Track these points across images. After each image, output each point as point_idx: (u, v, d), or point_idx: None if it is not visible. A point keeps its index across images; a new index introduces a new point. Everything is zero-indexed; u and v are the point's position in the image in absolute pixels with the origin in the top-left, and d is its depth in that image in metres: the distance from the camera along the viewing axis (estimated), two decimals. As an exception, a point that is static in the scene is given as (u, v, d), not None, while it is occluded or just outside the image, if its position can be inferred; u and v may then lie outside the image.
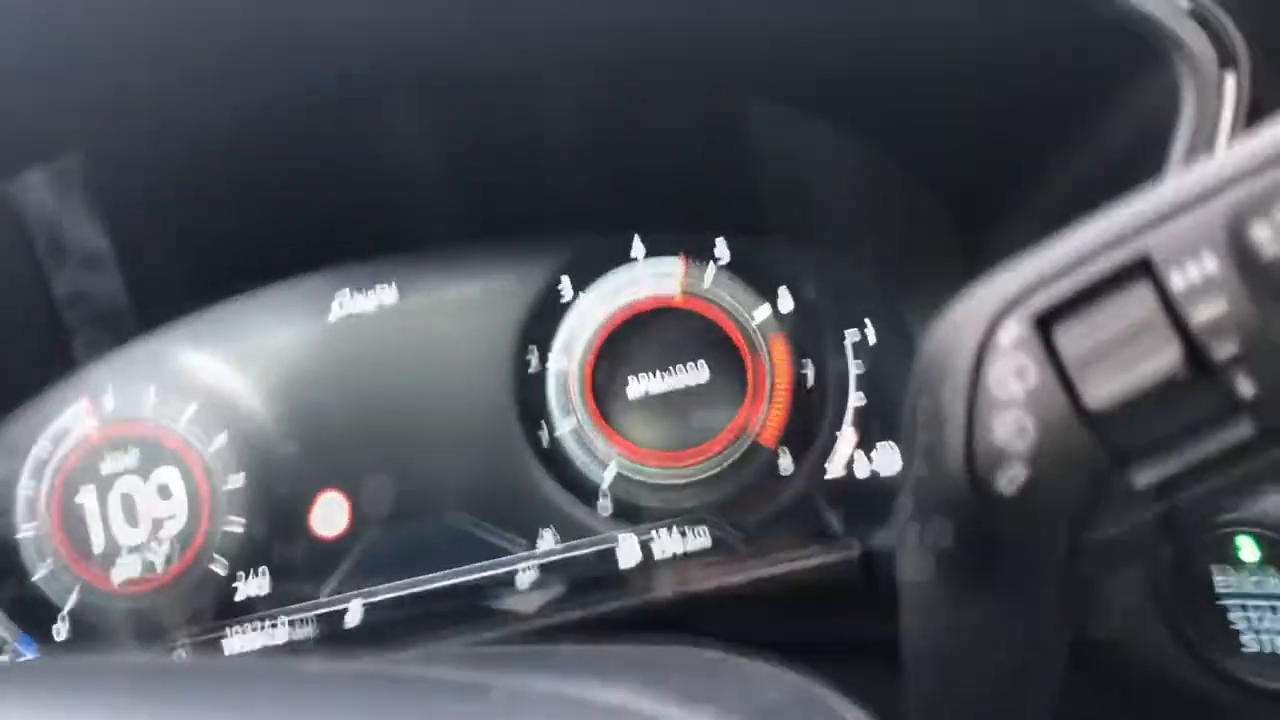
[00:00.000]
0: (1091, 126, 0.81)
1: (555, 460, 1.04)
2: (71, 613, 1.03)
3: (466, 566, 1.02)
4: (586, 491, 1.04)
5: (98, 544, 1.03)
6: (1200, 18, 0.70)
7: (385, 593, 1.02)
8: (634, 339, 1.04)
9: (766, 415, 1.02)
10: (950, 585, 0.41)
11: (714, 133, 0.99)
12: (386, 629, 1.01)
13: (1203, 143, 0.69)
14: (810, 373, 1.04)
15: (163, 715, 0.41)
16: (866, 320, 1.04)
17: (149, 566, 1.03)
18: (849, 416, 1.03)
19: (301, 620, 1.02)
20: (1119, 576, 0.45)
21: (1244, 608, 0.66)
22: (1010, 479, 0.37)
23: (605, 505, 1.03)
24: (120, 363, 1.05)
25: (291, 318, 1.06)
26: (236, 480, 1.03)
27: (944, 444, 0.39)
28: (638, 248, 1.06)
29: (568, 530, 1.03)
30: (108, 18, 0.80)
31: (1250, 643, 0.65)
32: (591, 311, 1.04)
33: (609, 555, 1.02)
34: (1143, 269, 0.37)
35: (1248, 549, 0.66)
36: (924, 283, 1.02)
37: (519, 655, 0.51)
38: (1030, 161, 0.87)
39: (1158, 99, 0.72)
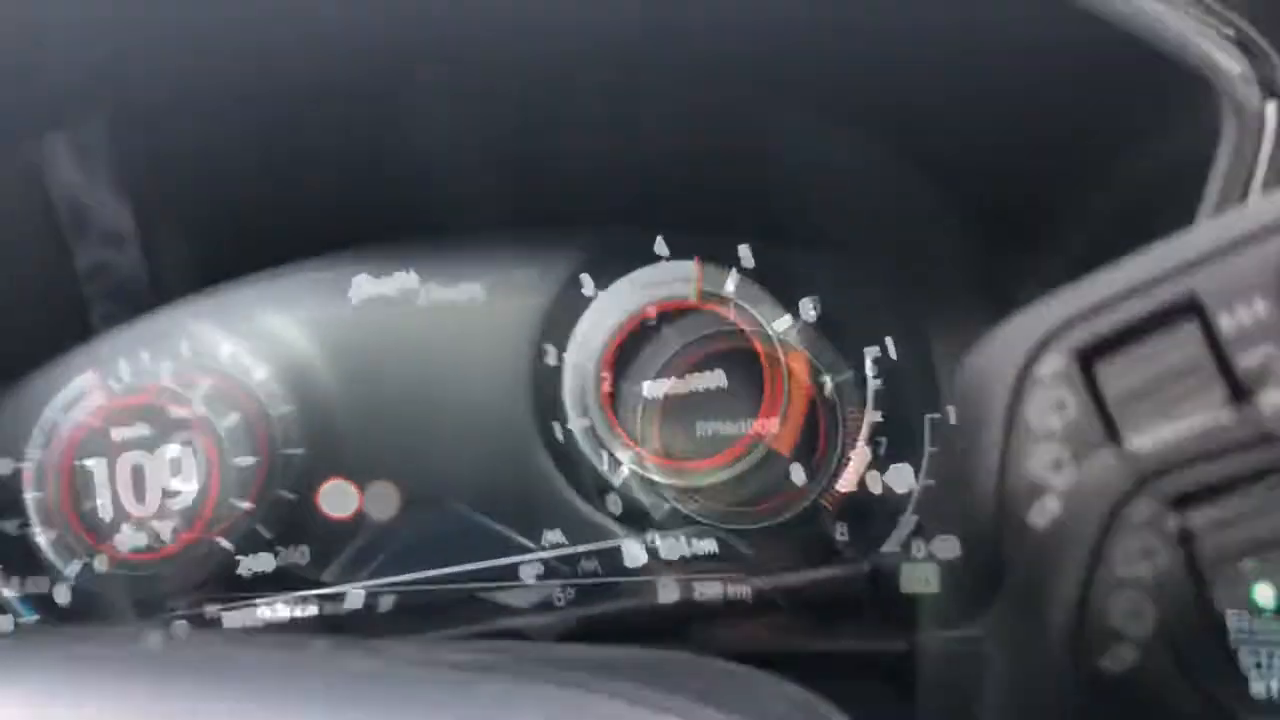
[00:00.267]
0: (1129, 156, 0.80)
1: (567, 458, 1.04)
2: (74, 580, 1.02)
3: (471, 560, 1.01)
4: (596, 491, 1.03)
5: (105, 513, 1.03)
6: (1244, 46, 0.69)
7: (389, 580, 1.01)
8: (653, 341, 1.03)
9: (782, 425, 1.02)
10: (967, 609, 0.41)
11: (744, 138, 0.99)
12: (387, 616, 1.01)
13: (1243, 174, 0.68)
14: (828, 386, 1.03)
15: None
16: (887, 337, 1.03)
17: (154, 538, 1.03)
18: (864, 432, 1.02)
19: (303, 602, 1.02)
20: (1134, 611, 0.44)
21: (1255, 653, 0.65)
22: (1043, 511, 0.37)
23: (615, 506, 1.03)
24: (137, 335, 1.05)
25: (310, 301, 1.06)
26: (247, 459, 1.03)
27: (977, 470, 0.38)
28: (661, 248, 1.05)
29: (575, 529, 1.02)
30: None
31: (1260, 690, 0.64)
32: (612, 310, 1.04)
33: (615, 557, 1.02)
34: (1190, 309, 0.36)
35: (1264, 594, 0.65)
36: (947, 303, 1.02)
37: (517, 657, 0.51)
38: (1064, 189, 0.87)
39: (1198, 129, 0.71)
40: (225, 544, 1.03)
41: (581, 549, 1.02)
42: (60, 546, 1.03)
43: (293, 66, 0.87)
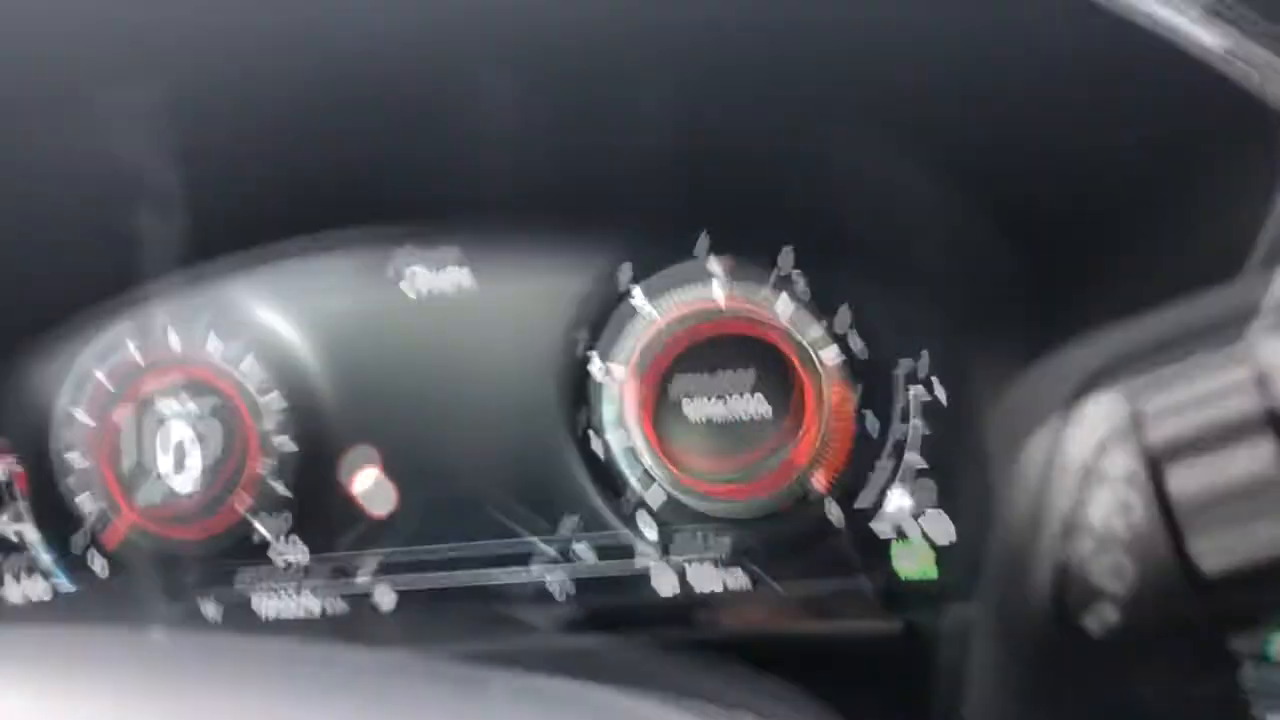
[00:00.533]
0: (1190, 199, 0.79)
1: (599, 470, 1.03)
2: (110, 550, 1.04)
3: (498, 568, 1.02)
4: (629, 508, 1.03)
5: (145, 484, 1.04)
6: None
7: (417, 581, 1.02)
8: (699, 360, 1.03)
9: (822, 461, 1.01)
10: (1020, 709, 0.40)
11: (803, 162, 0.98)
12: (411, 616, 1.02)
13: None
14: (872, 425, 1.02)
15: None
16: (934, 379, 1.02)
17: (191, 513, 1.04)
18: (903, 472, 1.01)
19: (329, 590, 1.02)
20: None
21: (1269, 706, 0.64)
22: (1099, 619, 0.36)
23: (647, 526, 1.02)
24: (187, 307, 1.06)
25: (360, 287, 1.06)
26: (286, 442, 1.04)
27: (1034, 566, 0.37)
28: (715, 267, 1.05)
29: (604, 545, 1.02)
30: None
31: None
32: (660, 325, 1.03)
33: (643, 579, 1.01)
34: (1270, 422, 0.35)
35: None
36: (997, 348, 1.00)
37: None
38: (1121, 229, 0.85)
39: (1263, 171, 0.70)
40: (260, 527, 1.03)
41: (610, 568, 1.02)
42: (98, 514, 1.04)
43: (345, 55, 0.87)
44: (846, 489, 1.01)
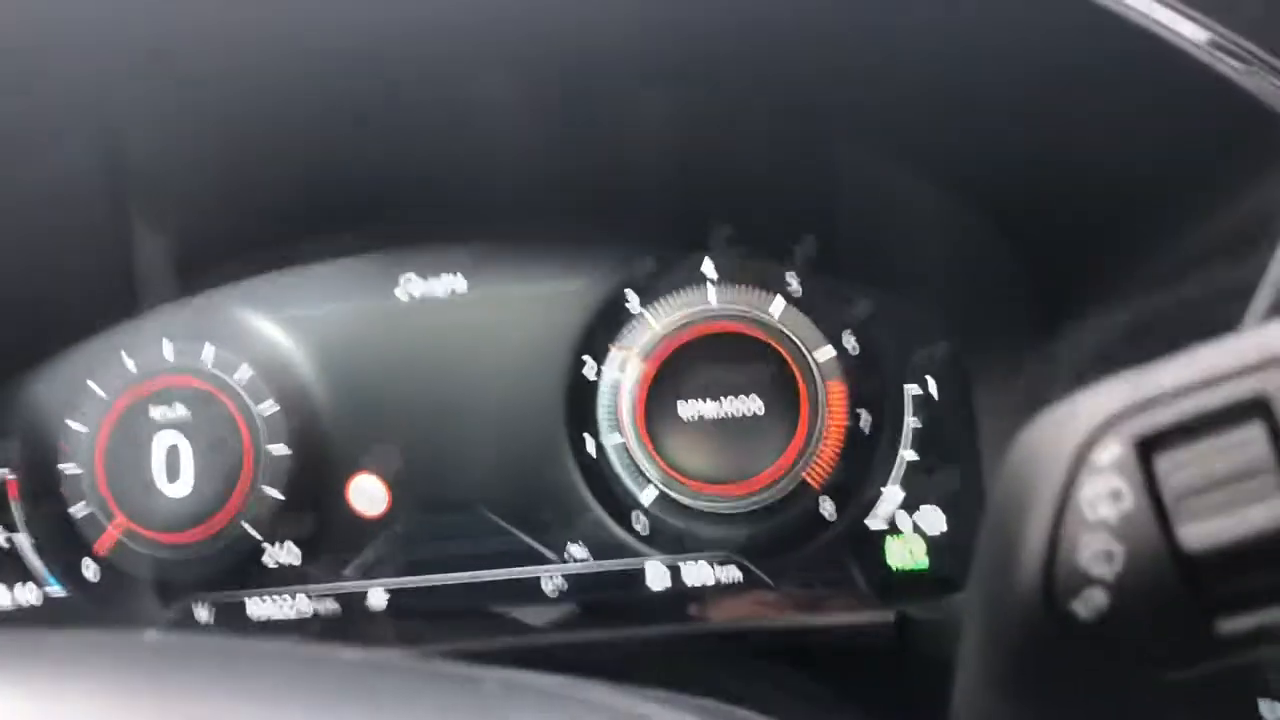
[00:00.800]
0: (1195, 217, 0.79)
1: (597, 472, 1.03)
2: (103, 555, 1.03)
3: (494, 569, 1.01)
4: (624, 509, 1.03)
5: (138, 490, 1.03)
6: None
7: (410, 582, 1.02)
8: (693, 362, 1.03)
9: (816, 458, 1.01)
10: (1007, 700, 0.40)
11: (801, 167, 0.98)
12: (405, 617, 1.01)
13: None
14: (866, 422, 1.02)
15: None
16: (929, 377, 1.02)
17: (185, 519, 1.03)
18: (899, 471, 1.01)
19: (323, 596, 1.02)
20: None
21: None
22: (1089, 603, 0.36)
23: (641, 525, 1.02)
24: (181, 316, 1.06)
25: (355, 294, 1.06)
26: (280, 448, 1.03)
27: (1022, 556, 0.37)
28: (709, 269, 1.05)
29: (599, 544, 1.02)
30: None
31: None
32: (654, 328, 1.03)
33: (638, 578, 1.01)
34: (1259, 409, 0.35)
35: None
36: (992, 347, 1.01)
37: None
38: (1124, 243, 0.85)
39: (1268, 198, 0.70)
40: (253, 532, 1.03)
41: (605, 567, 1.01)
42: (90, 521, 1.04)
43: (345, 67, 0.87)
44: (840, 485, 1.01)
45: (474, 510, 1.03)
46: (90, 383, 1.05)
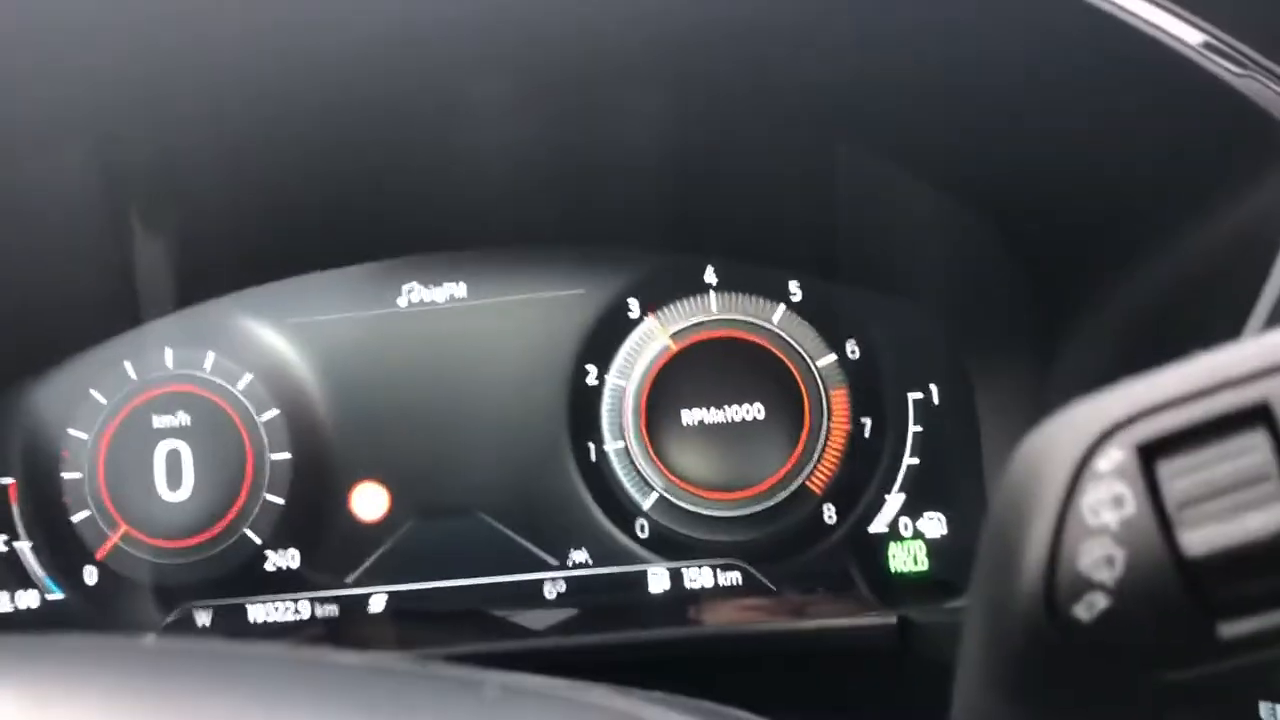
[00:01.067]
0: (1194, 219, 0.79)
1: (598, 478, 1.03)
2: (103, 561, 1.03)
3: (491, 571, 1.01)
4: (625, 514, 1.03)
5: (139, 497, 1.04)
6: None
7: (411, 587, 1.02)
8: (695, 368, 1.03)
9: (818, 463, 1.01)
10: (1008, 705, 0.40)
11: (801, 172, 0.98)
12: (406, 621, 1.01)
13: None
14: (868, 427, 1.02)
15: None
16: (931, 382, 1.02)
17: (186, 525, 1.03)
18: (901, 477, 1.01)
19: (325, 601, 1.02)
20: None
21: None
22: (1090, 608, 0.36)
23: (643, 530, 1.02)
24: (183, 324, 1.06)
25: (357, 302, 1.06)
26: (282, 454, 1.03)
27: (1023, 561, 0.37)
28: (711, 277, 1.05)
29: (601, 550, 1.02)
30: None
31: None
32: (656, 335, 1.04)
33: (639, 582, 1.01)
34: (1261, 415, 0.35)
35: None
36: (994, 352, 1.01)
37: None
38: (1124, 245, 0.85)
39: (1267, 201, 0.70)
40: (254, 538, 1.03)
41: (606, 571, 1.01)
42: (91, 526, 1.04)
43: (347, 77, 0.88)
44: (842, 490, 1.01)
45: (475, 516, 1.03)
46: (92, 390, 1.05)
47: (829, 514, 1.02)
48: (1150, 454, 0.36)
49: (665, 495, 1.02)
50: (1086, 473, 0.37)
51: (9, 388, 1.05)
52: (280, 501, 1.03)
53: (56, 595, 1.04)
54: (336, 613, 1.02)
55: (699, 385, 1.03)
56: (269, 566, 1.03)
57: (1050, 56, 0.77)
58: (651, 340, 1.04)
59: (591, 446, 1.03)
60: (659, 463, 1.02)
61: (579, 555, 1.02)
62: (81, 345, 1.06)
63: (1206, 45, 0.70)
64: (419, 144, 0.97)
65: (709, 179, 1.00)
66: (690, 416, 1.02)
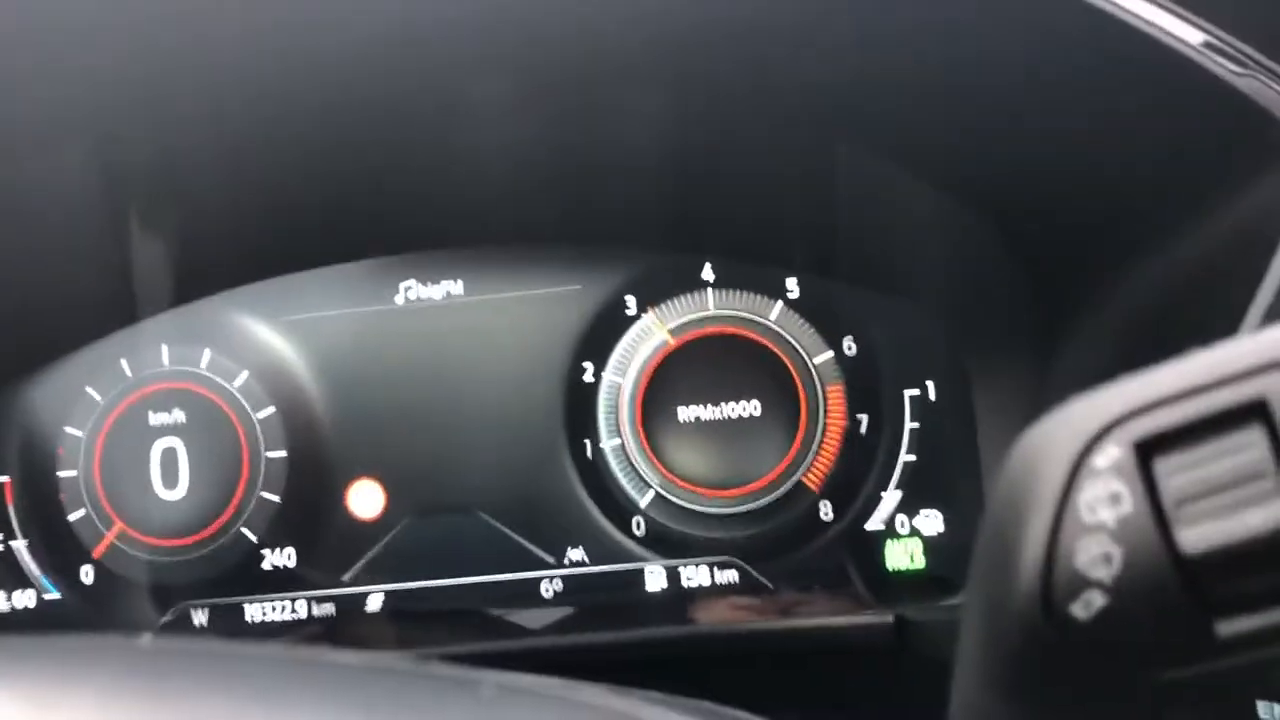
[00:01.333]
0: (1193, 218, 0.79)
1: (595, 476, 1.03)
2: (99, 559, 1.03)
3: (489, 569, 1.01)
4: (622, 511, 1.03)
5: (136, 495, 1.03)
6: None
7: (408, 586, 1.02)
8: (692, 365, 1.03)
9: (814, 460, 1.01)
10: (1005, 703, 0.40)
11: (800, 171, 0.98)
12: (402, 620, 1.01)
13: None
14: (864, 423, 1.02)
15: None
16: (928, 380, 1.02)
17: (182, 523, 1.03)
18: (898, 474, 1.01)
19: (321, 600, 1.02)
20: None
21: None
22: (1087, 606, 0.36)
23: (639, 528, 1.02)
24: (179, 321, 1.06)
25: (353, 299, 1.06)
26: (278, 452, 1.03)
27: (1020, 559, 0.37)
28: (708, 274, 1.05)
29: (598, 548, 1.02)
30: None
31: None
32: (653, 332, 1.04)
33: (636, 580, 1.01)
34: (1259, 412, 0.35)
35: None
36: (992, 351, 1.01)
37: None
38: (1123, 244, 0.85)
39: (1266, 200, 0.70)
40: (250, 536, 1.03)
41: (603, 570, 1.01)
42: (88, 525, 1.03)
43: (346, 77, 0.87)
44: (838, 487, 1.01)
45: (471, 514, 1.02)
46: (88, 388, 1.05)
47: (825, 511, 1.02)
48: (1147, 451, 0.36)
49: (661, 492, 1.02)
50: (1083, 470, 0.37)
51: (4, 386, 1.05)
52: (276, 499, 1.03)
53: (53, 595, 1.04)
54: (333, 611, 1.02)
55: (695, 382, 1.02)
56: (265, 565, 1.03)
57: (1050, 56, 0.77)
58: (648, 337, 1.03)
59: (588, 444, 1.03)
60: (655, 460, 1.02)
61: (576, 554, 1.02)
62: (77, 343, 1.05)
63: (1206, 45, 0.70)
64: (417, 143, 0.97)
65: (707, 177, 1.00)
66: (687, 413, 1.02)
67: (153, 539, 1.03)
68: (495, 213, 1.04)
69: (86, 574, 1.03)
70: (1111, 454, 0.37)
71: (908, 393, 1.02)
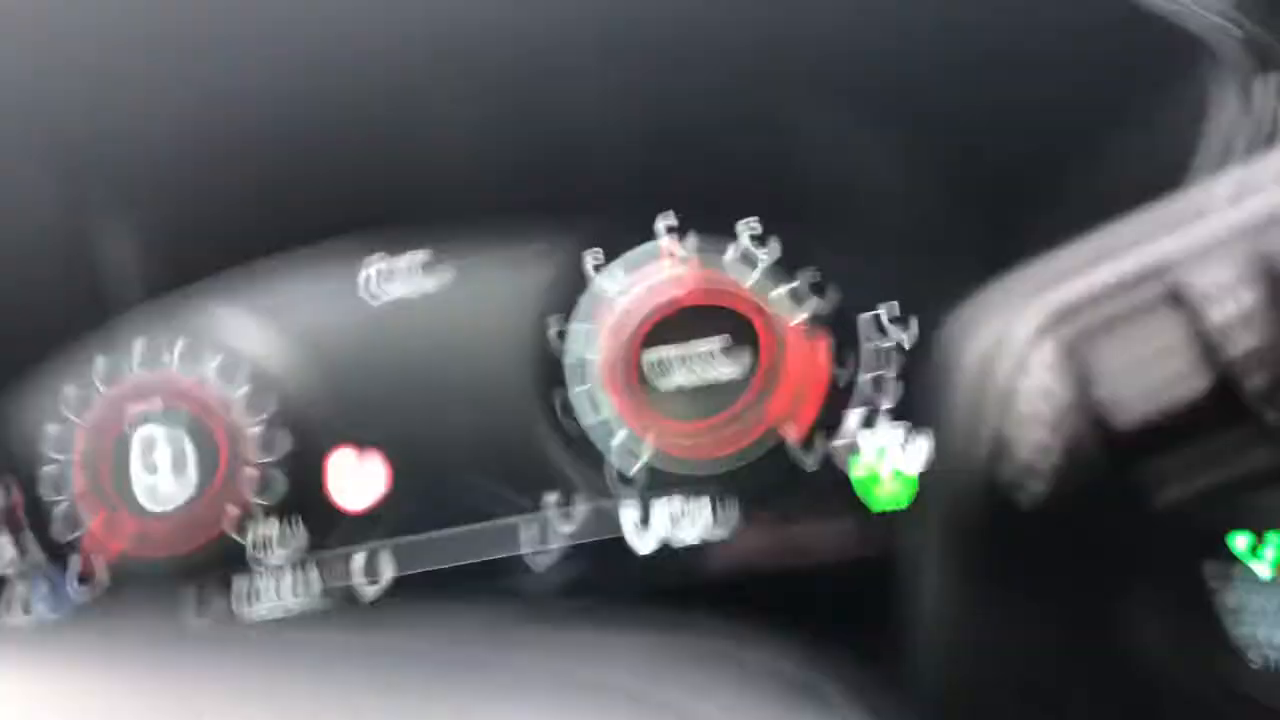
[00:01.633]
0: (1126, 131, 0.81)
1: (578, 445, 1.05)
2: (86, 557, 1.04)
3: (481, 550, 1.03)
4: (604, 472, 1.04)
5: (118, 493, 1.04)
6: (1236, 26, 0.69)
7: (399, 571, 1.04)
8: (666, 325, 1.04)
9: (794, 414, 1.03)
10: (964, 585, 0.42)
11: (747, 119, 0.99)
12: (398, 605, 1.03)
13: (1232, 152, 0.68)
14: (842, 372, 1.04)
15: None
16: (899, 328, 1.04)
17: (167, 513, 1.04)
18: (875, 420, 1.03)
19: (312, 591, 1.03)
20: (1128, 587, 0.45)
21: (1254, 624, 0.65)
22: (1031, 492, 0.38)
23: (624, 492, 1.04)
24: (150, 314, 1.06)
25: (320, 279, 1.07)
26: (255, 432, 1.04)
27: (971, 453, 0.39)
28: (668, 223, 1.06)
29: (584, 516, 1.03)
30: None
31: (1258, 658, 0.64)
32: (626, 300, 1.05)
33: (625, 544, 1.02)
34: (1177, 298, 0.37)
35: (1261, 567, 0.65)
36: (955, 292, 1.02)
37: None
38: (1062, 162, 0.87)
39: (1190, 107, 0.71)
40: (234, 518, 1.04)
41: (589, 525, 1.03)
42: (72, 525, 1.05)
43: (300, 63, 0.88)
44: (819, 437, 1.03)
45: (456, 477, 1.04)
46: (65, 387, 1.06)
47: (808, 461, 1.03)
48: (1077, 345, 0.38)
49: (640, 454, 1.03)
50: (1022, 369, 0.39)
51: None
52: (256, 478, 1.04)
53: (40, 597, 1.04)
54: (325, 601, 1.03)
55: (661, 327, 1.04)
56: (251, 546, 1.04)
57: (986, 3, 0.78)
58: (622, 298, 1.05)
59: (565, 413, 1.05)
60: (633, 423, 1.03)
61: (562, 523, 1.03)
62: (50, 343, 1.06)
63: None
64: (378, 122, 0.97)
65: (664, 139, 1.00)
66: (654, 354, 1.04)
67: (138, 529, 1.04)
68: (460, 189, 1.05)
69: (72, 575, 1.04)
70: (1045, 352, 0.39)
71: (880, 342, 1.03)
